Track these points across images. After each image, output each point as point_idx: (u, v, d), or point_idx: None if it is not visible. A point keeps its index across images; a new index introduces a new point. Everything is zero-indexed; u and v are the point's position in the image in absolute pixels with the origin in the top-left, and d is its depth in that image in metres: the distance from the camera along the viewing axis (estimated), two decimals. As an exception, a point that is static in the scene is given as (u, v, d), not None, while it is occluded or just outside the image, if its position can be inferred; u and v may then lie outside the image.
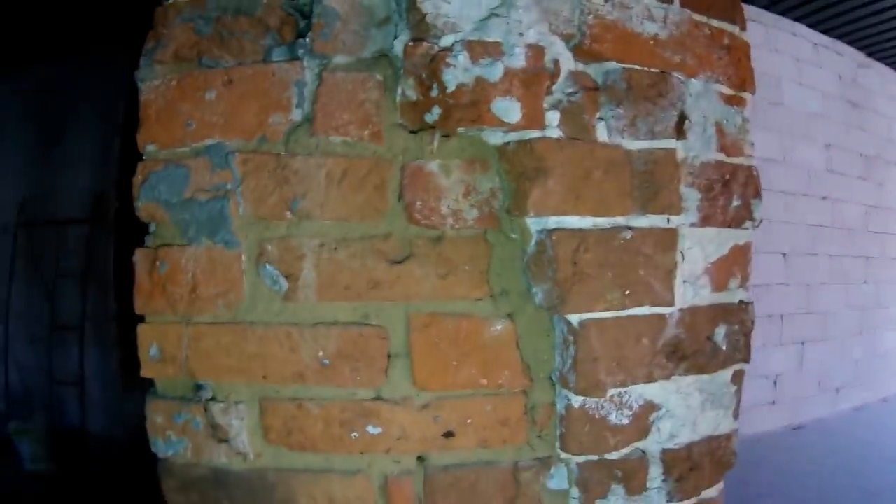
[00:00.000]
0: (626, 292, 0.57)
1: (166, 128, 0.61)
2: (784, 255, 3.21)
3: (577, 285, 0.56)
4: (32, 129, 3.77)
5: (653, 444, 0.63)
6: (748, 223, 0.65)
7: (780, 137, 3.16)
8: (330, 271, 0.57)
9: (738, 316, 0.65)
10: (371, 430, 0.58)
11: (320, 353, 0.58)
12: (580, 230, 0.56)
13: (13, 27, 3.19)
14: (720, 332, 0.64)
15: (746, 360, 0.67)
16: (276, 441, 0.59)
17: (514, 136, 0.57)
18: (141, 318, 0.61)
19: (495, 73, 0.55)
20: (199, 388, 0.60)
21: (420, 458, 0.60)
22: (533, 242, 0.57)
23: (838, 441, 3.06)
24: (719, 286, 0.64)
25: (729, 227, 0.64)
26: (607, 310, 0.57)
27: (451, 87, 0.55)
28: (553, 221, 0.56)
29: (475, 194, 0.58)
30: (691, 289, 0.63)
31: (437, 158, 0.58)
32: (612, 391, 0.59)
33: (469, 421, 0.59)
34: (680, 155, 0.61)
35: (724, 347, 0.65)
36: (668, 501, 0.66)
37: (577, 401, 0.59)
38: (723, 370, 0.65)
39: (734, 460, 0.69)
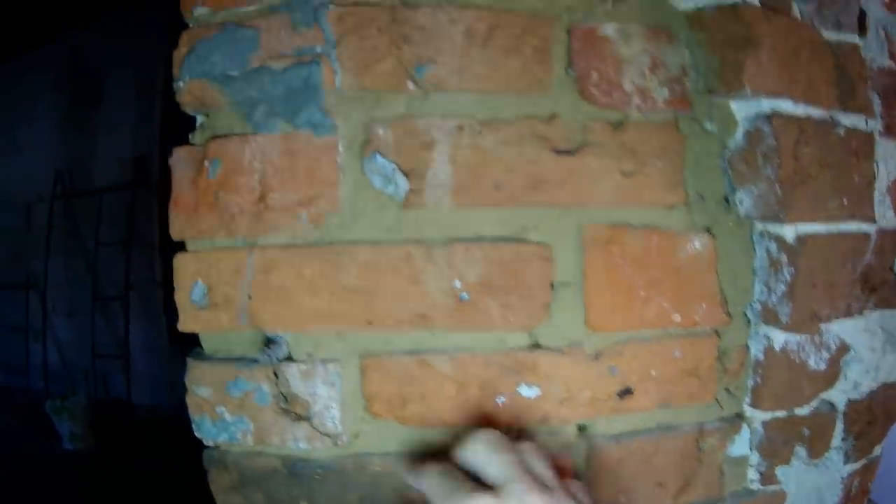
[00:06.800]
0: (845, 201, 0.45)
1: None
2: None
3: (800, 186, 0.43)
4: (66, 99, 3.60)
5: (839, 394, 0.52)
6: (925, 136, 0.56)
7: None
8: (473, 165, 0.40)
9: (916, 243, 0.56)
10: (524, 391, 0.42)
11: (457, 284, 0.40)
12: (796, 117, 0.43)
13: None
14: (901, 261, 0.55)
15: (918, 295, 0.58)
16: (383, 414, 0.41)
17: (710, 0, 0.43)
18: (180, 246, 0.41)
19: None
20: (268, 343, 0.41)
21: (581, 428, 0.45)
22: (741, 131, 0.43)
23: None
24: (900, 208, 0.54)
25: (908, 138, 0.54)
26: (827, 221, 0.45)
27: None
28: (767, 105, 0.43)
29: (664, 69, 0.43)
30: (879, 208, 0.52)
31: (614, 21, 0.43)
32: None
33: (652, 373, 0.44)
34: (864, 54, 0.51)
35: (903, 280, 0.55)
36: (844, 464, 0.55)
37: (779, 341, 0.46)
38: (902, 307, 0.56)
39: (898, 414, 0.60)
